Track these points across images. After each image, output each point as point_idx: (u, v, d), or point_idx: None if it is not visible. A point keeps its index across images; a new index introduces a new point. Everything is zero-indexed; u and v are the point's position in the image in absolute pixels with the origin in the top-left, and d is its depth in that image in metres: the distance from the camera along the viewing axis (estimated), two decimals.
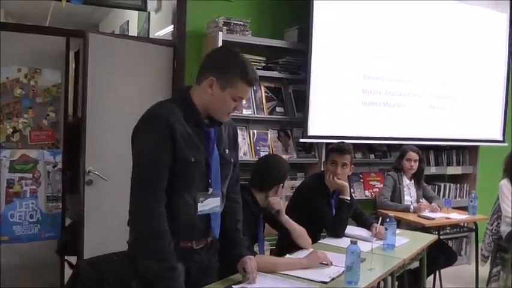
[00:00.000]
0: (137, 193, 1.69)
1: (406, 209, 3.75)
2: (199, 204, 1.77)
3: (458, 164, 4.95)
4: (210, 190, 1.80)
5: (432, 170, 4.72)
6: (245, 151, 3.77)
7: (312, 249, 2.45)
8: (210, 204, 1.80)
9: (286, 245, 2.60)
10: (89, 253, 3.21)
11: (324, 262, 2.24)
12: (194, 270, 1.82)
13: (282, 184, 2.45)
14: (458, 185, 4.95)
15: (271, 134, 3.94)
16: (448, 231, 4.77)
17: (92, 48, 3.21)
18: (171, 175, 1.70)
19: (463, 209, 4.13)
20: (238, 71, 1.74)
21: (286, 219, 2.52)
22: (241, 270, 1.96)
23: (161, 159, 1.68)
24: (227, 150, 1.89)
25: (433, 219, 3.61)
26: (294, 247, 2.52)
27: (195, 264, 1.82)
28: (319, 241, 2.79)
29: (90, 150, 3.22)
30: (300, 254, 2.39)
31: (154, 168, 1.68)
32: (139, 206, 1.68)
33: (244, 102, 3.75)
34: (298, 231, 2.54)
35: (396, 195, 3.89)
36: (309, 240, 2.57)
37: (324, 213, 2.89)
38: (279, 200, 2.48)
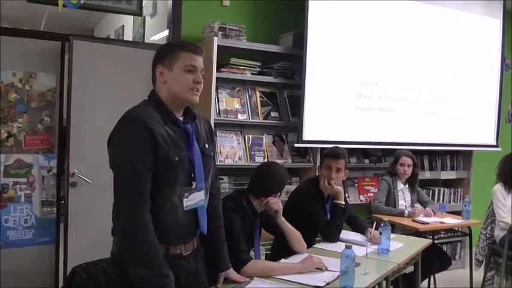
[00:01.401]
0: (121, 200, 1.65)
1: (401, 214, 3.77)
2: (184, 200, 1.75)
3: (452, 169, 4.97)
4: (194, 184, 1.78)
5: (426, 174, 4.75)
6: (240, 156, 3.77)
7: (307, 254, 2.45)
8: (196, 198, 1.79)
9: (281, 249, 2.60)
10: (74, 254, 3.23)
11: (319, 267, 2.25)
12: (183, 277, 1.80)
13: (279, 192, 2.46)
14: (452, 190, 4.97)
15: (266, 139, 3.94)
16: (442, 235, 4.80)
17: (77, 54, 3.22)
18: (155, 178, 1.67)
19: (457, 213, 4.14)
20: (176, 46, 1.83)
21: (283, 220, 2.51)
22: (221, 280, 2.03)
23: (142, 162, 1.64)
24: (207, 145, 1.89)
25: (428, 223, 3.62)
26: (290, 252, 2.52)
27: (183, 271, 1.81)
28: (313, 246, 2.79)
29: (75, 153, 3.25)
30: (295, 259, 2.40)
31: (136, 172, 1.63)
32: (124, 214, 1.64)
33: (239, 106, 3.79)
34: (294, 234, 2.54)
35: (391, 199, 3.91)
36: (305, 244, 2.57)
37: (319, 217, 2.89)
38: (278, 200, 2.47)
